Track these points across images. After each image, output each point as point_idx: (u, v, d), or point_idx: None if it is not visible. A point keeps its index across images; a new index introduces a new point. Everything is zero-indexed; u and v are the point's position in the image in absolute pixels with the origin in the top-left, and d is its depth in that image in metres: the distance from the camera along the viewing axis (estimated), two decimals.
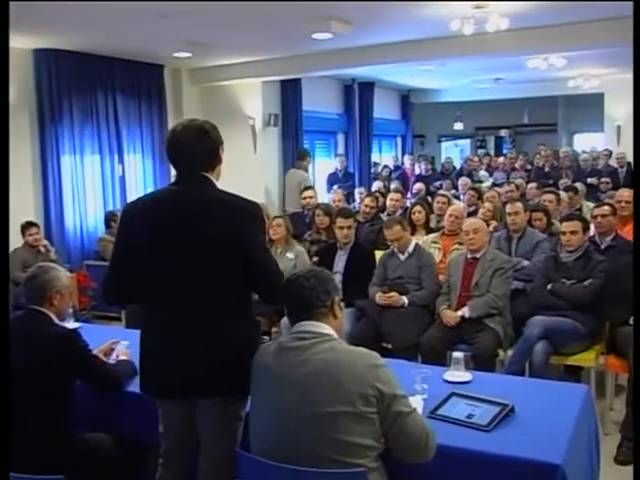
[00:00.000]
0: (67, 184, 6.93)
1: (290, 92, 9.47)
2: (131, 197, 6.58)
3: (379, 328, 4.28)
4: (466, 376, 2.62)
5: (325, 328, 2.04)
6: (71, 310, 3.26)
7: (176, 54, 7.18)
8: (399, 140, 13.57)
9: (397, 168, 11.60)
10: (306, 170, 9.10)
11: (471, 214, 6.08)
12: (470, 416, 2.23)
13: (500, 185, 8.74)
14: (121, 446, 2.62)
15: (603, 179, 8.98)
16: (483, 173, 10.90)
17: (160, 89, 7.97)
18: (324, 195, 9.38)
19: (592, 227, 4.63)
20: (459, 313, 4.07)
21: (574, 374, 4.17)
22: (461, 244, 4.74)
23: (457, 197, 8.15)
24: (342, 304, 2.22)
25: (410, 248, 4.54)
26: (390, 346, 4.17)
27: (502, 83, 11.62)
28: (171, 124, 7.94)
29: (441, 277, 4.51)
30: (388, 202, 6.82)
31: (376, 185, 9.30)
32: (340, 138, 11.31)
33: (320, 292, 2.05)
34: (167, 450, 2.32)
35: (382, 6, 5.34)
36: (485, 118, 14.60)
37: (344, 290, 4.54)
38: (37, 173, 6.71)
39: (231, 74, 8.11)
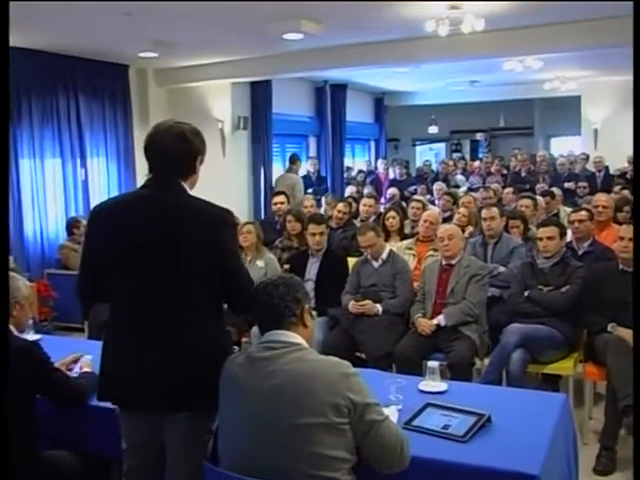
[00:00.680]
0: (26, 189, 6.72)
1: (260, 94, 9.31)
2: (94, 202, 6.34)
3: (352, 337, 4.22)
4: (442, 386, 2.60)
5: (295, 337, 2.00)
6: (31, 321, 3.21)
7: (142, 54, 6.99)
8: (372, 144, 13.47)
9: (370, 173, 11.46)
10: (297, 174, 9.10)
11: (446, 220, 6.04)
12: (446, 427, 2.21)
13: (476, 190, 8.69)
14: (84, 462, 2.55)
15: (580, 183, 8.94)
16: (460, 177, 10.89)
17: (125, 90, 7.79)
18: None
19: (569, 233, 4.59)
20: (434, 321, 4.04)
21: (552, 383, 4.16)
22: (436, 250, 4.69)
23: (432, 202, 8.11)
24: (314, 313, 2.13)
25: (384, 255, 4.47)
26: (364, 356, 4.14)
27: (478, 86, 11.59)
28: (136, 126, 7.81)
29: (416, 284, 4.45)
30: (361, 208, 6.74)
31: (349, 190, 9.18)
32: (312, 141, 11.18)
33: (289, 301, 2.01)
34: (130, 468, 2.23)
35: (353, 5, 5.23)
36: (460, 121, 14.57)
37: (316, 298, 4.54)
38: None
39: (199, 75, 7.93)
